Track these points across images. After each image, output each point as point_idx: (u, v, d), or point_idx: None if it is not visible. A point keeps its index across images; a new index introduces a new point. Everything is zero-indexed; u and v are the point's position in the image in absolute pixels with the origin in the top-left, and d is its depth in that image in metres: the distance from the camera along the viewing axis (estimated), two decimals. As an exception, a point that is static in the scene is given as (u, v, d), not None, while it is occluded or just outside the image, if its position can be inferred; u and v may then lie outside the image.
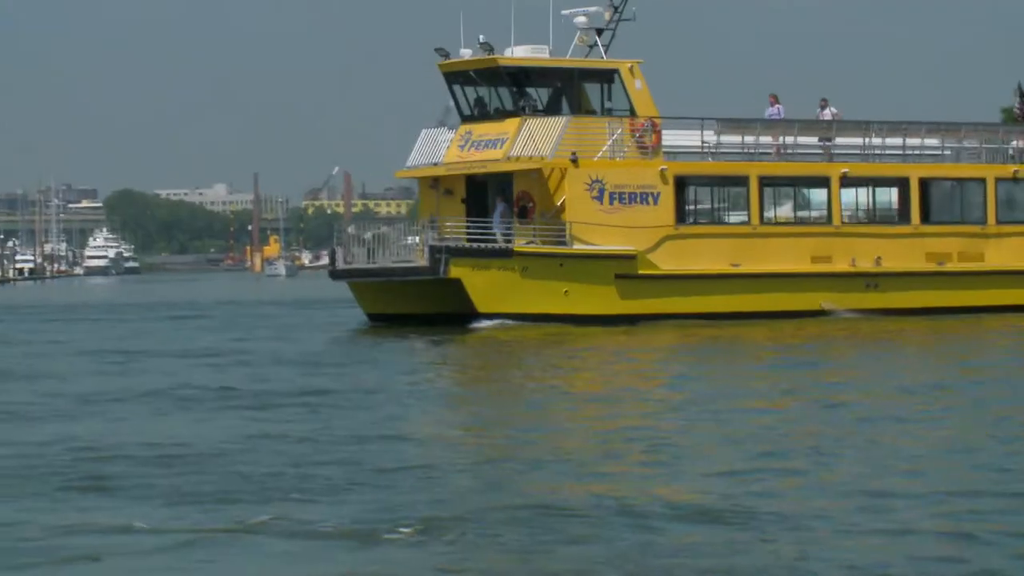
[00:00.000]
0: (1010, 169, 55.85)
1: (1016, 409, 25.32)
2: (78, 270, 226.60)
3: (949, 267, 53.93)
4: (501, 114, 50.48)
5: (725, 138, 52.05)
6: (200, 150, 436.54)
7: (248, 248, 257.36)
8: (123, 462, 19.63)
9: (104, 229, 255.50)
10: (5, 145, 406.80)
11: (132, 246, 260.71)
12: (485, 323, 47.06)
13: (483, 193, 50.93)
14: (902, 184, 54.13)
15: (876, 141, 54.44)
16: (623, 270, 48.72)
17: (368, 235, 51.96)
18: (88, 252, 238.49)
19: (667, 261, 49.63)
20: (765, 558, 13.62)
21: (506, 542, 14.49)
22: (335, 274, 51.81)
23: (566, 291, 48.07)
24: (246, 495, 17.02)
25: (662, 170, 49.93)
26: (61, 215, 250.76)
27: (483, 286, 47.46)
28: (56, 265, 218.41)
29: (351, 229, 53.52)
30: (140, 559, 14.07)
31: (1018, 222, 55.60)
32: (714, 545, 14.15)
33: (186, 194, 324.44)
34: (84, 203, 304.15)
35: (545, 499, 16.60)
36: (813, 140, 53.84)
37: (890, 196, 54.81)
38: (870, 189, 54.44)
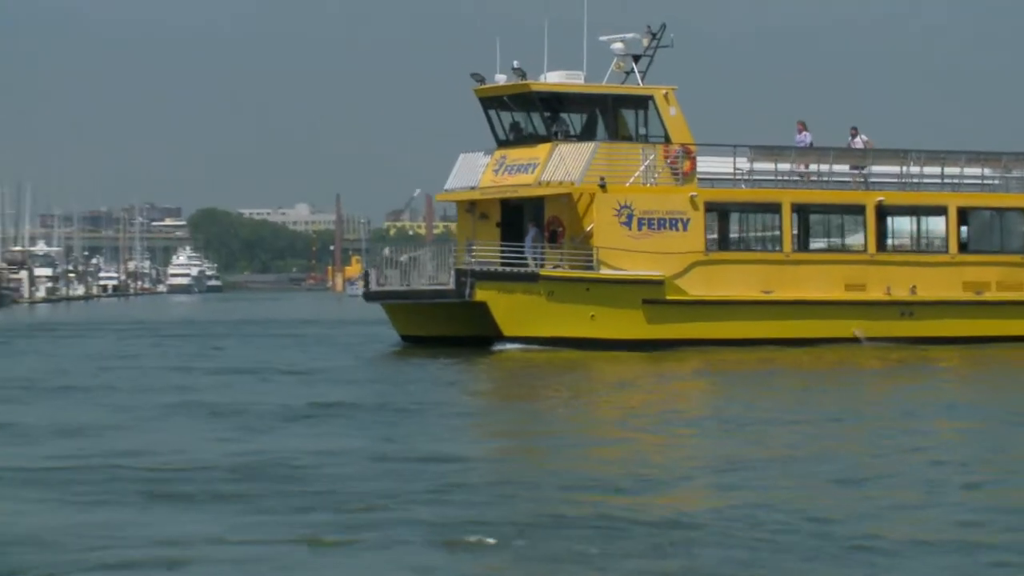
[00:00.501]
0: (1051, 199, 55.57)
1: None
2: (161, 288, 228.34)
3: (987, 296, 53.63)
4: (534, 139, 50.78)
5: (758, 165, 52.07)
6: (283, 171, 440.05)
7: (330, 268, 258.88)
8: (206, 474, 20.26)
9: (187, 247, 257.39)
10: (91, 163, 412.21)
11: (215, 265, 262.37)
12: (509, 346, 47.32)
13: (518, 217, 51.26)
14: (940, 213, 53.96)
15: (915, 170, 54.30)
16: (650, 295, 48.86)
17: (404, 258, 52.33)
18: (171, 270, 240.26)
19: (696, 287, 49.72)
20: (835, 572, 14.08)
21: (578, 552, 15.00)
22: (368, 296, 52.37)
23: (592, 315, 48.24)
24: (323, 507, 17.64)
25: (692, 196, 50.04)
26: (145, 233, 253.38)
27: (509, 309, 47.77)
28: (139, 282, 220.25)
29: (386, 252, 53.92)
30: (221, 568, 14.54)
31: (1059, 252, 55.22)
32: (784, 557, 14.73)
33: (269, 214, 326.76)
34: (168, 221, 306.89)
35: (612, 511, 17.18)
36: (847, 168, 53.76)
37: (928, 225, 54.67)
38: (909, 218, 54.31)
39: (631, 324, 48.56)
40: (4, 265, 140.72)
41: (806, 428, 27.03)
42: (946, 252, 53.89)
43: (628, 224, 49.18)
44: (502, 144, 51.83)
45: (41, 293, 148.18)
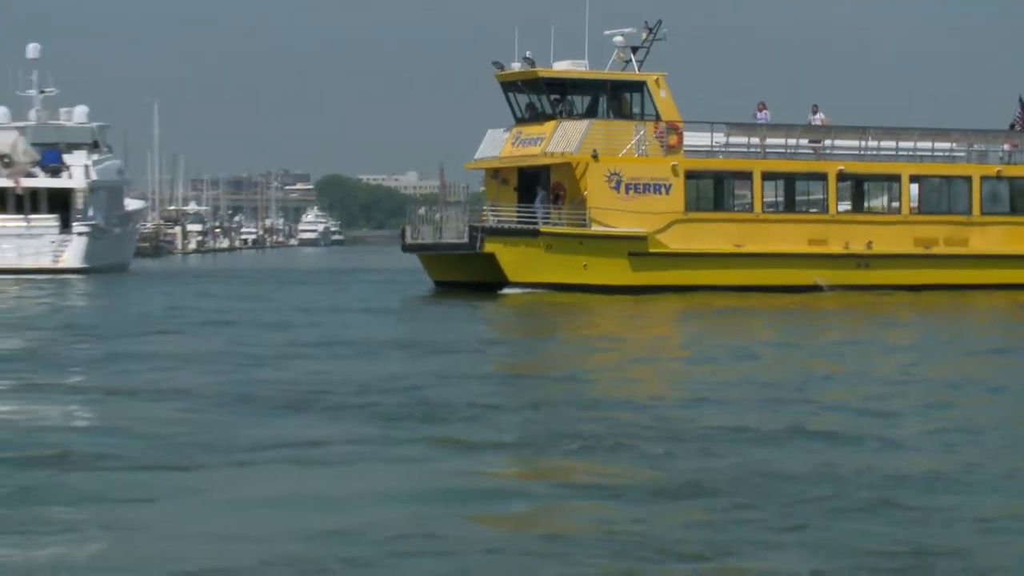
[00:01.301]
0: (994, 169, 55.71)
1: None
2: (292, 241, 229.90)
3: (935, 250, 53.94)
4: (543, 117, 51.72)
5: (733, 139, 52.61)
6: (397, 143, 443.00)
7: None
8: (326, 393, 20.56)
9: (315, 208, 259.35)
10: (235, 135, 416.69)
11: (338, 222, 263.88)
12: (513, 290, 48.34)
13: (533, 182, 52.23)
14: (895, 180, 54.30)
15: (873, 143, 54.61)
16: (635, 248, 49.76)
17: (437, 216, 53.46)
18: (301, 226, 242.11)
19: (675, 241, 50.50)
20: (858, 469, 14.60)
21: (645, 454, 15.50)
22: (405, 248, 53.50)
23: (585, 265, 49.17)
24: (427, 418, 17.99)
25: (674, 165, 50.74)
26: (279, 195, 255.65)
27: (513, 259, 48.85)
28: (274, 237, 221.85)
29: (421, 211, 55.06)
30: (354, 468, 14.84)
31: (1000, 213, 55.37)
32: (817, 460, 15.13)
33: (383, 179, 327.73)
34: (298, 185, 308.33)
35: (665, 421, 17.86)
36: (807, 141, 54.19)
37: (883, 190, 55.02)
38: (867, 184, 54.71)
39: (618, 272, 49.48)
40: (161, 222, 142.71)
41: (792, 356, 27.75)
42: (900, 213, 54.19)
43: (617, 188, 50.04)
44: (519, 121, 52.88)
45: (192, 245, 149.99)
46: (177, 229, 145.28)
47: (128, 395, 20.47)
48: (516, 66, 52.10)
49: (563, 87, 51.77)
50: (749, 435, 16.64)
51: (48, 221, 66.17)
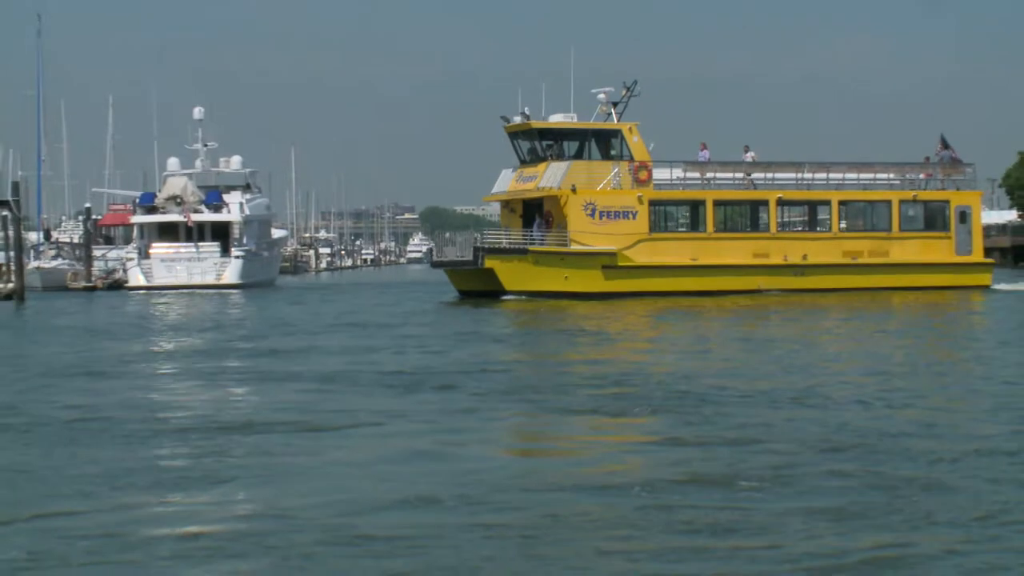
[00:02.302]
0: (911, 193, 57.05)
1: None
2: (402, 260, 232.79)
3: (860, 261, 55.41)
4: (539, 159, 53.99)
5: (689, 174, 54.49)
6: (485, 178, 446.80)
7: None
8: (435, 375, 21.28)
9: (419, 233, 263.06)
10: (355, 174, 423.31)
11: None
12: (510, 297, 50.63)
13: (533, 211, 54.50)
14: (826, 204, 55.85)
15: (808, 175, 56.18)
16: (607, 263, 51.83)
17: (460, 239, 55.81)
18: (409, 248, 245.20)
19: (641, 256, 52.49)
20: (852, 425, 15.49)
21: (689, 417, 16.10)
22: (433, 264, 55.93)
23: (566, 276, 51.28)
24: (527, 393, 18.87)
25: (639, 196, 52.76)
26: (391, 223, 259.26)
27: (508, 272, 51.11)
28: (387, 257, 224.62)
29: (447, 235, 57.37)
30: (455, 433, 15.29)
31: (916, 230, 56.72)
32: (822, 423, 15.73)
33: (473, 209, 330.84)
34: (406, 215, 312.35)
35: (707, 389, 18.42)
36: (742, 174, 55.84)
37: (817, 213, 56.55)
38: (802, 208, 56.29)
39: (593, 281, 51.57)
40: (298, 246, 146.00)
41: (759, 342, 28.67)
42: (830, 231, 55.71)
43: (592, 215, 52.14)
44: (522, 163, 55.20)
45: (323, 265, 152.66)
46: (311, 252, 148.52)
47: (284, 378, 21.34)
48: (517, 119, 54.56)
49: (554, 135, 54.10)
50: (761, 399, 17.58)
51: (212, 247, 70.91)
